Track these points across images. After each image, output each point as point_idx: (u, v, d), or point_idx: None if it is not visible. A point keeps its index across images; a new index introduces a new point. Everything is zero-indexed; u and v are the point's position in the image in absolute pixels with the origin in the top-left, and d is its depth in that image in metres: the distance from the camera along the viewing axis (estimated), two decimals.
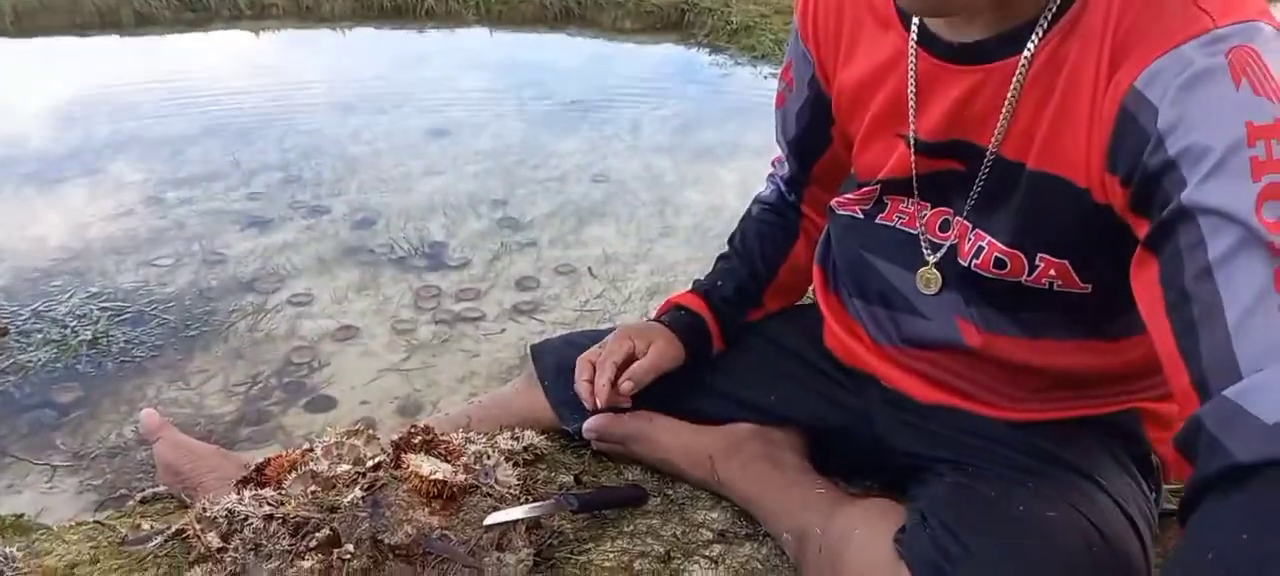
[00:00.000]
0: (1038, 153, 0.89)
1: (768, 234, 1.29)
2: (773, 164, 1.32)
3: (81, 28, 4.40)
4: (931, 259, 1.03)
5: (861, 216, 1.10)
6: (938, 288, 1.03)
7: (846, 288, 1.16)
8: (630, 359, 1.19)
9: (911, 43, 0.96)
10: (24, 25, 4.35)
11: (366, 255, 2.56)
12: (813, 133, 1.18)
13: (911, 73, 0.97)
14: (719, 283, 1.27)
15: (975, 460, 1.02)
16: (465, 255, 2.57)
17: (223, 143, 3.25)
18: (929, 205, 1.03)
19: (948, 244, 1.01)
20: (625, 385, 1.17)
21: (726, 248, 1.33)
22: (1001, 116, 0.91)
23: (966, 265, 0.98)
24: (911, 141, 0.99)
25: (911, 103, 0.97)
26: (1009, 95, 0.89)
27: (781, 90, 1.21)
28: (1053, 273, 0.93)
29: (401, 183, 3.02)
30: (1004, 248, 0.94)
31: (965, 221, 0.99)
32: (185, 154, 3.16)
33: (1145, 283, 0.80)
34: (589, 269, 2.53)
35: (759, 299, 1.29)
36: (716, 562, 1.12)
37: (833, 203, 1.16)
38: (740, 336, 1.28)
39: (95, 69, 4.06)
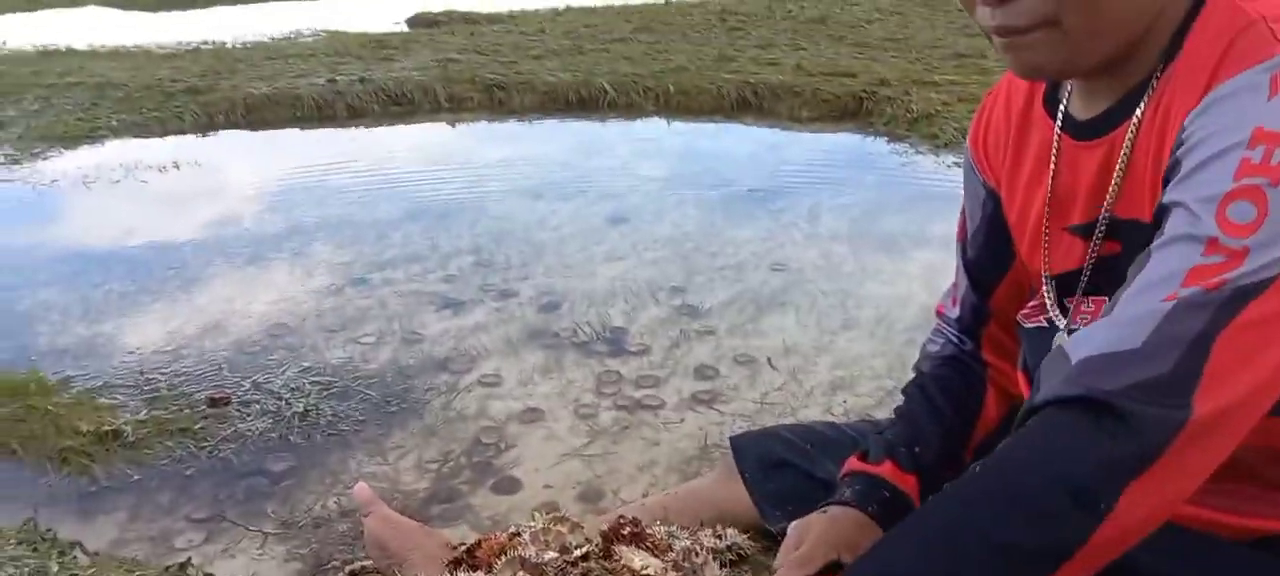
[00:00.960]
0: (1149, 205, 0.88)
1: (952, 390, 1.21)
2: (937, 314, 1.27)
3: (301, 121, 4.83)
4: (1062, 325, 1.00)
5: (1047, 325, 1.07)
6: None
7: None
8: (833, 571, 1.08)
9: (1056, 131, 0.97)
10: (252, 119, 4.83)
11: (551, 338, 2.62)
12: (989, 254, 1.16)
13: (1053, 161, 0.98)
14: (918, 449, 1.17)
15: None
16: (645, 342, 2.59)
17: (422, 227, 3.46)
18: (1107, 297, 0.97)
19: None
20: None
21: (903, 402, 1.24)
22: (1115, 177, 0.90)
23: None
24: (1066, 230, 0.99)
25: (1049, 189, 0.98)
26: (1121, 154, 0.89)
27: (960, 223, 1.21)
28: None
29: (584, 268, 3.09)
30: None
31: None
32: (388, 237, 3.37)
33: None
34: (769, 360, 2.49)
35: (960, 458, 1.19)
36: None
37: (1019, 316, 1.12)
38: None
39: (311, 156, 4.43)
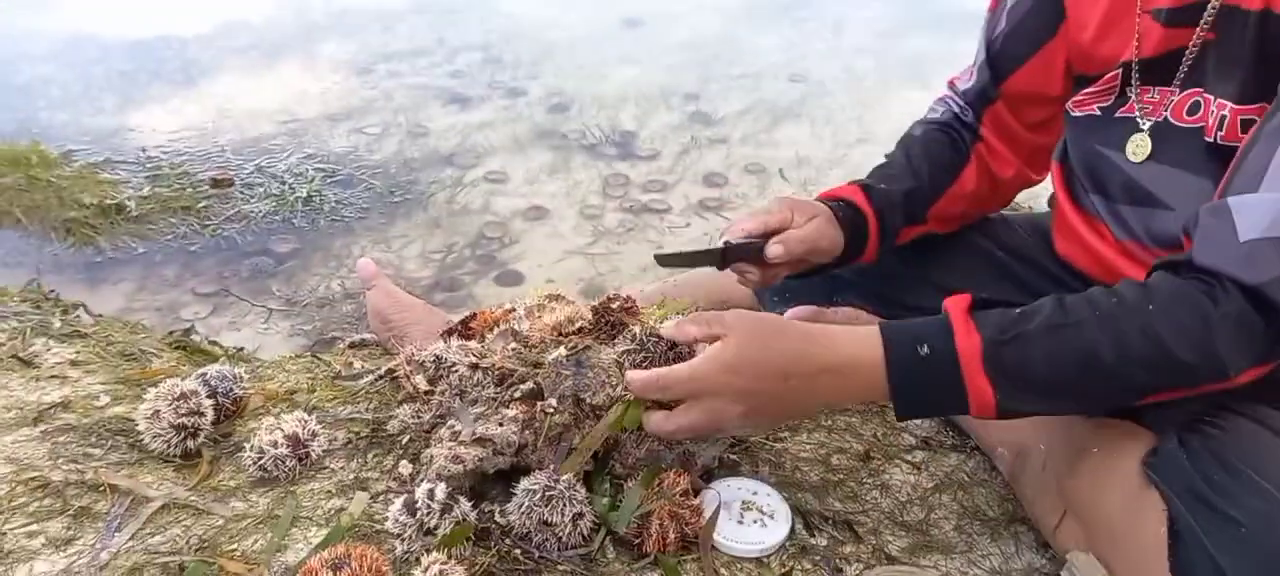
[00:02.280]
0: None
1: (935, 153, 1.18)
2: (948, 84, 1.24)
3: None
4: (1145, 126, 0.97)
5: (1099, 113, 1.02)
6: (1146, 154, 0.97)
7: (1085, 186, 1.06)
8: (785, 228, 1.08)
9: None
10: None
11: (559, 139, 2.57)
12: (1022, 33, 1.09)
13: None
14: (883, 185, 1.16)
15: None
16: (655, 147, 2.54)
17: (429, 21, 3.34)
18: (1177, 89, 0.94)
19: (1194, 126, 0.93)
20: (774, 249, 1.05)
21: (884, 159, 1.22)
22: None
23: (1213, 140, 0.90)
24: (1150, 14, 0.93)
25: None
26: None
27: None
28: None
29: (596, 70, 3.01)
30: (1247, 107, 0.86)
31: (1208, 94, 0.91)
32: (394, 30, 3.26)
33: None
34: (780, 170, 2.44)
35: (922, 215, 1.17)
36: (919, 469, 1.06)
37: (1068, 104, 1.07)
38: (950, 240, 1.19)
39: None
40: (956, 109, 1.20)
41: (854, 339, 0.83)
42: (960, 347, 0.80)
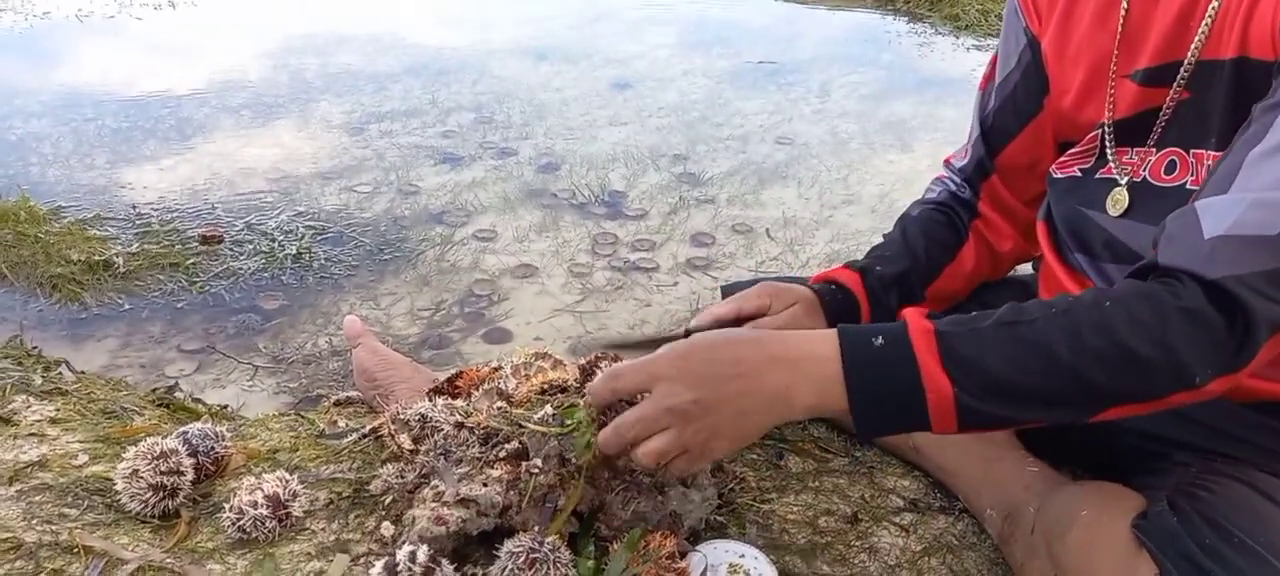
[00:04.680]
0: (1238, 41, 0.85)
1: (932, 232, 1.19)
2: (945, 164, 1.25)
3: None
4: (1123, 181, 0.97)
5: (1080, 175, 1.04)
6: (1124, 207, 0.97)
7: (1069, 245, 1.07)
8: (761, 314, 1.08)
9: None
10: None
11: (549, 198, 2.59)
12: (1012, 106, 1.12)
13: (1125, 3, 0.94)
14: (878, 267, 1.17)
15: (1226, 448, 0.90)
16: (643, 206, 2.56)
17: (423, 82, 3.38)
18: (1154, 150, 0.95)
19: (1172, 184, 0.94)
20: None
21: (881, 239, 1.24)
22: (1205, 20, 0.87)
23: (1197, 190, 0.89)
24: (1128, 77, 0.94)
25: (1118, 33, 0.94)
26: None
27: (987, 72, 1.17)
28: None
29: (586, 131, 3.04)
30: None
31: (1184, 152, 0.92)
32: (388, 89, 3.30)
33: None
34: (767, 230, 2.46)
35: (919, 294, 1.18)
36: (907, 531, 1.05)
37: (1052, 167, 1.09)
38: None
39: (311, 8, 4.31)
40: (954, 187, 1.22)
41: (808, 336, 0.83)
42: (914, 336, 0.79)
